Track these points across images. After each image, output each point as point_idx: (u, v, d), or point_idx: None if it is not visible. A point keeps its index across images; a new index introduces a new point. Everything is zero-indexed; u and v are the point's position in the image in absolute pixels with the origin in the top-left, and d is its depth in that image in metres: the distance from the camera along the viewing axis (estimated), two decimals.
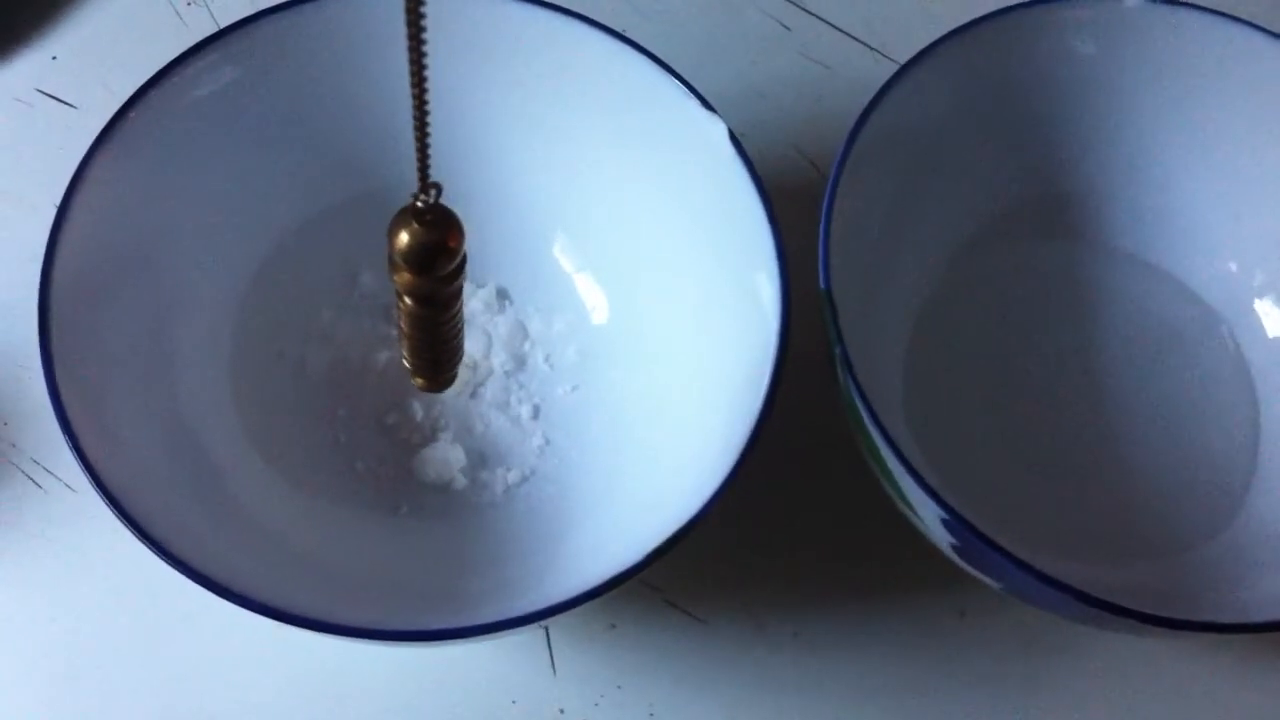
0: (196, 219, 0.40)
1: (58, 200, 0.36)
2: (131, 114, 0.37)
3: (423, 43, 0.24)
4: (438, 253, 0.28)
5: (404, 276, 0.28)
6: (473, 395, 0.42)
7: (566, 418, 0.42)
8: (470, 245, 0.30)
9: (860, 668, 0.41)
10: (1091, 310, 0.45)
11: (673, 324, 0.41)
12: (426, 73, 0.25)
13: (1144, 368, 0.44)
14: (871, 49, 0.51)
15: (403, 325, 0.31)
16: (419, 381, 0.34)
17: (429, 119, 0.26)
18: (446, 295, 0.30)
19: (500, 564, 0.39)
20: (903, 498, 0.36)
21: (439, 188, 0.27)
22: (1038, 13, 0.41)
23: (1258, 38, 0.41)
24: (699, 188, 0.39)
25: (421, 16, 0.24)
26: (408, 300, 0.30)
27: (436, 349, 0.32)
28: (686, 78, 0.39)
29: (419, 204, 0.27)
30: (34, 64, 0.48)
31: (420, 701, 0.39)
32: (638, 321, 0.42)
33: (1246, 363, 0.44)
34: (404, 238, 0.27)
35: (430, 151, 0.26)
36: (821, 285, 0.37)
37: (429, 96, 0.25)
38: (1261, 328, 0.44)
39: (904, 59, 0.40)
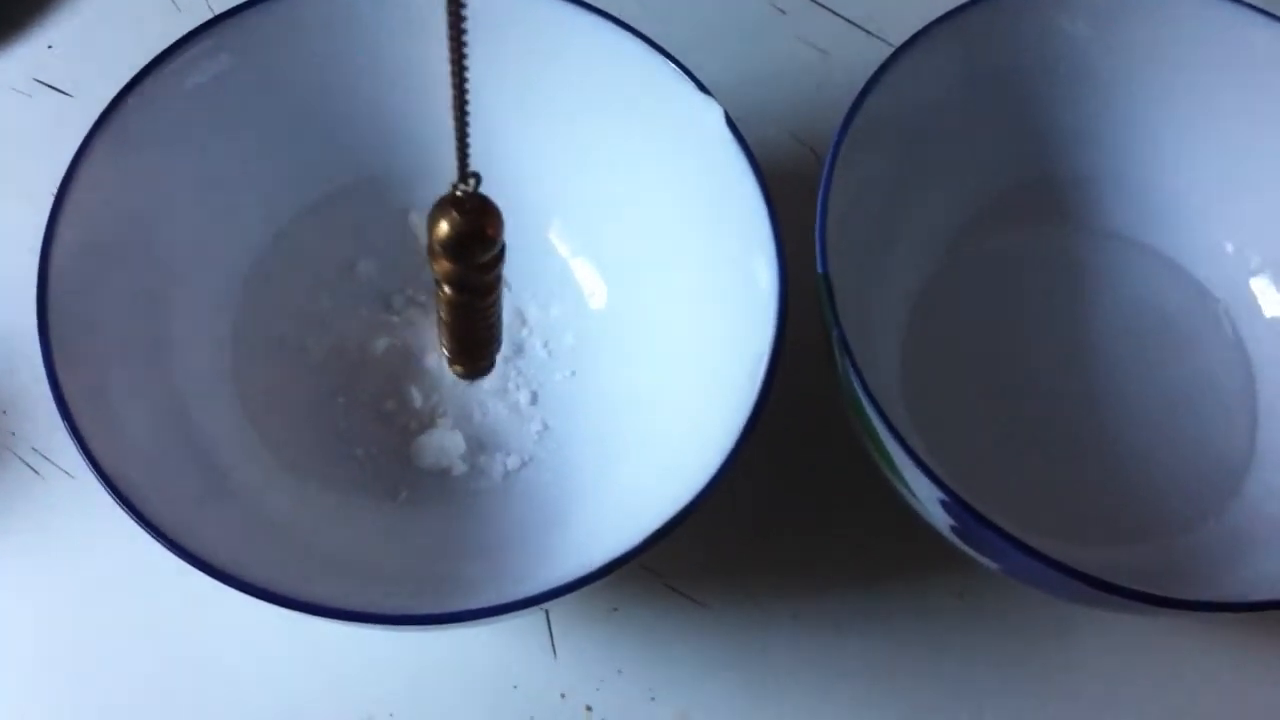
0: (194, 206, 0.40)
1: (55, 188, 0.36)
2: (127, 102, 0.37)
3: (463, 32, 0.24)
4: (476, 241, 0.28)
5: (443, 264, 0.29)
6: (471, 381, 0.42)
7: (565, 403, 0.42)
8: None
9: (859, 649, 0.41)
10: (1087, 293, 0.45)
11: (670, 308, 0.41)
12: (466, 62, 0.25)
13: (1141, 349, 0.44)
14: (868, 33, 0.51)
15: (441, 313, 0.32)
16: (457, 369, 0.35)
17: (468, 108, 0.26)
18: (485, 283, 0.30)
19: (499, 549, 0.39)
20: (901, 480, 0.36)
21: (478, 177, 0.27)
22: None
23: (1253, 17, 0.41)
24: (696, 172, 0.39)
25: (462, 5, 0.24)
26: (446, 288, 0.30)
27: (474, 336, 0.33)
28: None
29: (459, 193, 0.27)
30: (30, 53, 0.48)
31: (421, 686, 0.39)
32: (635, 306, 0.42)
33: (1243, 343, 0.44)
34: (444, 226, 0.28)
35: (469, 140, 0.27)
36: (819, 269, 0.37)
37: (469, 86, 0.25)
38: (1258, 308, 0.44)
39: (900, 42, 0.40)
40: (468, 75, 0.25)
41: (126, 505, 0.32)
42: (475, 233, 0.28)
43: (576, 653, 0.40)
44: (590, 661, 0.40)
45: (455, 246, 0.28)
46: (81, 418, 0.33)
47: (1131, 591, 0.33)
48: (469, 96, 0.25)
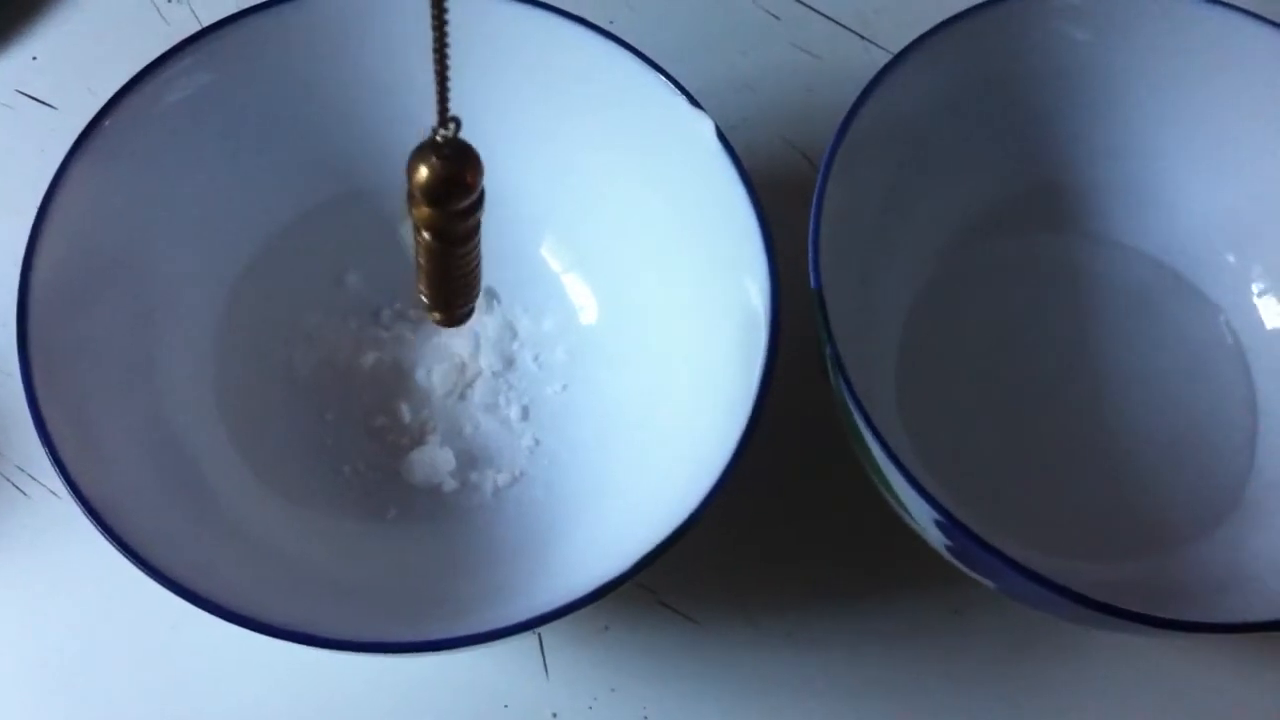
0: (179, 222, 0.39)
1: (39, 202, 0.35)
2: (109, 118, 0.36)
3: None
4: (455, 187, 0.28)
5: (421, 210, 0.28)
6: (461, 396, 0.42)
7: (556, 418, 0.42)
8: None
9: (855, 667, 0.40)
10: (1086, 303, 0.44)
11: (663, 323, 0.40)
12: (447, 3, 0.24)
13: (1140, 360, 0.43)
14: (863, 38, 0.50)
15: (419, 260, 0.31)
16: (435, 316, 0.34)
17: (448, 50, 0.25)
18: (463, 230, 0.30)
19: (491, 567, 0.39)
20: (896, 498, 0.36)
21: (458, 122, 0.27)
22: (1032, 0, 0.41)
23: (1254, 25, 0.40)
24: (687, 186, 0.39)
25: None
26: (425, 235, 0.30)
27: (453, 283, 0.32)
28: (674, 70, 0.38)
29: (438, 138, 0.27)
30: (14, 65, 0.47)
31: (411, 705, 0.39)
32: (627, 321, 0.42)
33: (1244, 354, 0.43)
34: (422, 171, 0.27)
35: (449, 86, 0.26)
36: (813, 284, 0.36)
37: (448, 29, 0.25)
38: (1259, 319, 0.43)
39: (896, 48, 0.40)
40: (448, 18, 0.24)
41: (106, 531, 0.32)
42: (454, 178, 0.27)
43: (568, 671, 0.40)
44: (582, 680, 0.40)
45: (434, 192, 0.28)
46: (60, 438, 0.33)
47: (1129, 613, 0.33)
48: (449, 39, 0.25)
